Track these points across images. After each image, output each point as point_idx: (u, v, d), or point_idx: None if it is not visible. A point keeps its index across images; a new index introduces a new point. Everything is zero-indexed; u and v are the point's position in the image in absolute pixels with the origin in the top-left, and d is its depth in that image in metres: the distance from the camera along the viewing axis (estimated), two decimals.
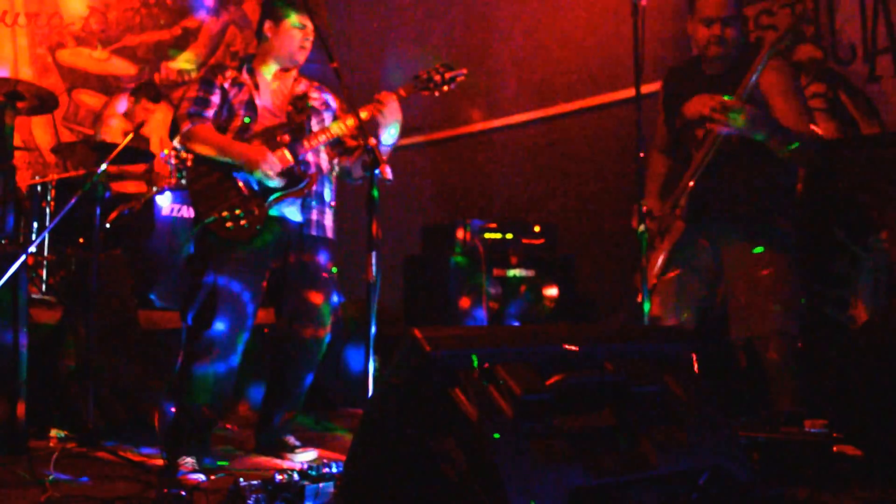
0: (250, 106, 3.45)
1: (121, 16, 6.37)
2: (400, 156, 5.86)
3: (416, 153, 6.03)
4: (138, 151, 4.49)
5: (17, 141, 5.02)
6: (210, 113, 3.43)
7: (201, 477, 3.08)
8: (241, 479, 2.82)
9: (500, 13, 5.61)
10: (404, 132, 5.75)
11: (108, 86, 6.35)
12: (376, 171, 2.75)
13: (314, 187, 3.44)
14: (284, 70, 3.55)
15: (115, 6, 6.37)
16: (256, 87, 3.50)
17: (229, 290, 3.25)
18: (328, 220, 3.56)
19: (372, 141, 2.81)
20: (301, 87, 3.60)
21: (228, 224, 3.27)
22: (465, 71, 3.44)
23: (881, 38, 3.87)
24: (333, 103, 3.66)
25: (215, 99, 3.45)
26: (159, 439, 3.34)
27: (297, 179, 3.37)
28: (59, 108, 5.58)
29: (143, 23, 6.45)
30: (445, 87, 3.41)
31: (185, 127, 3.39)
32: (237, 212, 3.29)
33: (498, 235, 4.44)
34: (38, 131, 6.04)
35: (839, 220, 3.69)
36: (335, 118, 3.58)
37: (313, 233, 3.47)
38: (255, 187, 3.32)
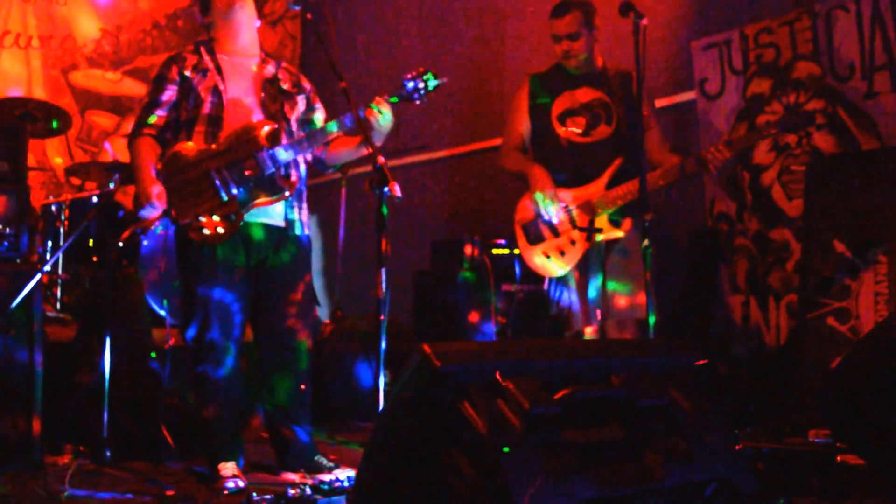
0: (215, 93, 3.24)
1: (133, 38, 6.44)
2: (409, 172, 5.93)
3: (424, 169, 6.07)
4: None
5: (31, 161, 5.10)
6: (160, 114, 3.25)
7: (241, 483, 3.09)
8: (254, 494, 2.87)
9: (513, 28, 5.66)
10: (413, 150, 5.81)
11: (120, 107, 6.43)
12: (385, 190, 2.79)
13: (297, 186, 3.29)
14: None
15: (126, 28, 6.45)
16: (219, 70, 3.27)
17: (217, 297, 3.21)
18: (305, 213, 3.40)
19: (381, 159, 2.80)
20: (269, 68, 3.38)
21: (204, 229, 3.14)
22: (446, 79, 3.10)
23: (879, 55, 3.90)
24: (306, 85, 3.47)
25: (167, 97, 3.26)
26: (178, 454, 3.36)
27: (278, 188, 3.20)
28: (72, 128, 5.67)
29: (155, 44, 6.52)
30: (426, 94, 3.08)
31: (130, 142, 3.29)
32: (214, 217, 3.14)
33: (506, 251, 4.47)
34: (51, 152, 6.11)
35: (839, 233, 3.74)
36: (311, 109, 3.43)
37: (296, 233, 3.34)
38: (234, 191, 3.15)
